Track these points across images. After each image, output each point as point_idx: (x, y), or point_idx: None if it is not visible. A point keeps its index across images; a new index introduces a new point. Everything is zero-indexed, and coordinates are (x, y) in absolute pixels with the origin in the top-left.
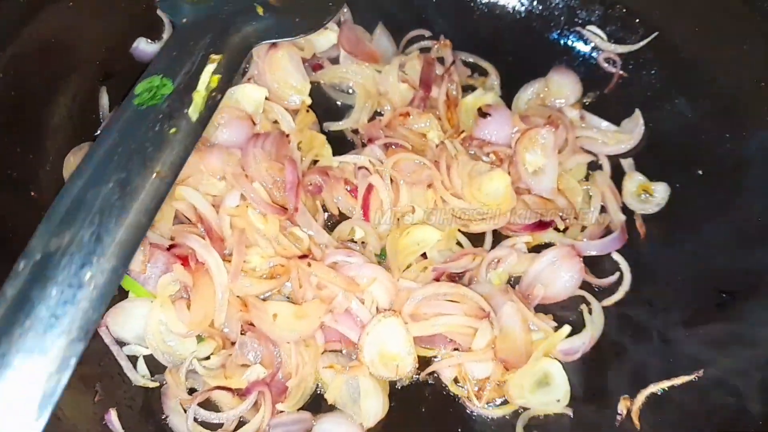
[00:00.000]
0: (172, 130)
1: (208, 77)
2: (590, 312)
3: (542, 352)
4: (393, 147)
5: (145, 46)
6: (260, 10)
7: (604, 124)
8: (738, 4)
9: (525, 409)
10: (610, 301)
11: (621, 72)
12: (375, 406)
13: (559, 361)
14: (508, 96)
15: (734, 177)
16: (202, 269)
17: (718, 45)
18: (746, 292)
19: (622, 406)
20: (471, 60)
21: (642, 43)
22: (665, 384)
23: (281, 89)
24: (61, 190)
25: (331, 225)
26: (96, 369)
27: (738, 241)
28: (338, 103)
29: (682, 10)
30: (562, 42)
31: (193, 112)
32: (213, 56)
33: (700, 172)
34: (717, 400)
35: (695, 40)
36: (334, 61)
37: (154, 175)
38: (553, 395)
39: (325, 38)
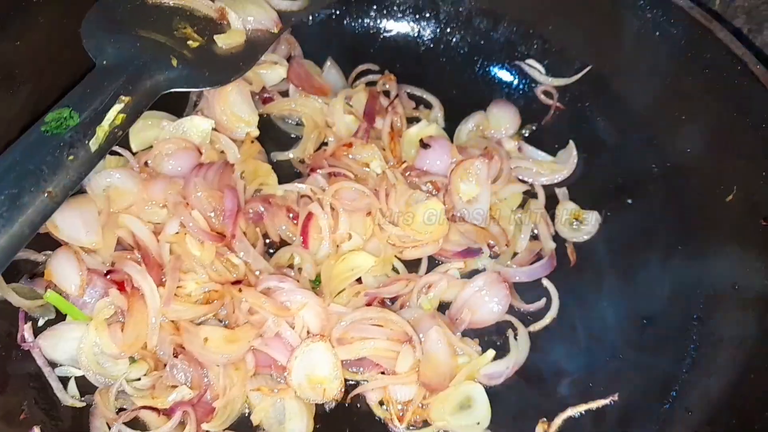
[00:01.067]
0: (71, 157)
1: (113, 115)
2: (516, 337)
3: (465, 375)
4: (336, 176)
5: None
6: (174, 62)
7: (541, 154)
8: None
9: (445, 431)
10: (537, 326)
11: (558, 104)
12: (299, 428)
13: (483, 384)
14: (451, 128)
15: (660, 205)
16: (138, 294)
17: (643, 80)
18: (668, 320)
19: (539, 430)
20: (416, 93)
21: (577, 77)
22: (582, 408)
23: (230, 121)
24: None
25: (273, 252)
26: (25, 389)
27: (663, 268)
28: (292, 135)
29: (611, 46)
30: (502, 75)
31: (94, 143)
32: (122, 97)
33: (630, 200)
34: (633, 425)
35: (623, 74)
36: (284, 94)
37: (45, 194)
38: (473, 418)
39: (275, 73)
